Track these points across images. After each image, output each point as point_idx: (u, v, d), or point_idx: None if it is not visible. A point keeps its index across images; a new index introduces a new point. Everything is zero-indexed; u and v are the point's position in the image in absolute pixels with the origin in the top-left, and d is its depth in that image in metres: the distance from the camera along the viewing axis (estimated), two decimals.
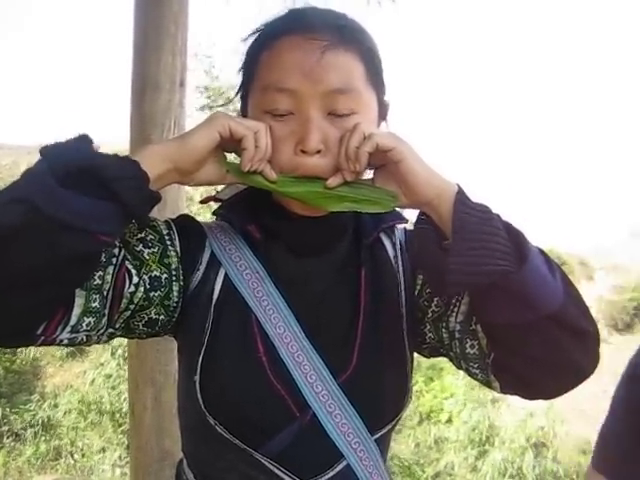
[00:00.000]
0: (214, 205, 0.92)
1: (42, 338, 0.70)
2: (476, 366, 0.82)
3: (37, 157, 0.69)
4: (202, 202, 0.95)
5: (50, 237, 0.63)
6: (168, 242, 0.84)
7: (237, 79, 0.91)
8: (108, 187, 0.67)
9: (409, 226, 0.96)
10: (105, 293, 0.74)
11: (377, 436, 0.85)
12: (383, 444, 0.88)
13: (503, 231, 0.70)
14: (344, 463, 0.82)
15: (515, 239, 0.71)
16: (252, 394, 0.80)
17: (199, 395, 0.80)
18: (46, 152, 0.69)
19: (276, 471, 0.80)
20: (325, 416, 0.81)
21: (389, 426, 0.86)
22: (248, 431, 0.80)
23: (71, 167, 0.66)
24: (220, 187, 0.93)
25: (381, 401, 0.85)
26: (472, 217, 0.71)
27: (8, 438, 6.09)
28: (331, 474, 0.82)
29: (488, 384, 0.83)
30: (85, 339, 0.75)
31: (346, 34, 0.79)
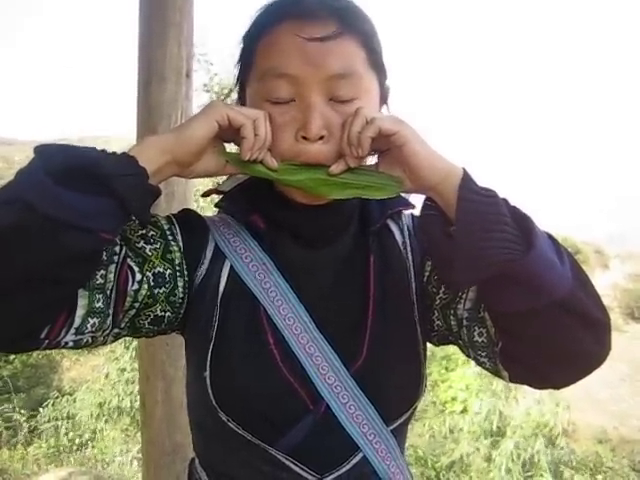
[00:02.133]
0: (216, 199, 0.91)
1: (46, 342, 0.68)
2: (484, 354, 0.80)
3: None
4: (204, 195, 0.94)
5: (48, 236, 0.61)
6: (170, 237, 0.82)
7: (232, 74, 0.89)
8: (106, 185, 0.64)
9: (415, 211, 0.95)
10: (108, 292, 0.72)
11: (393, 427, 0.84)
12: (400, 435, 0.87)
13: (508, 216, 0.68)
14: (360, 455, 0.81)
15: (521, 224, 0.68)
16: (265, 388, 0.78)
17: (210, 391, 0.79)
18: (40, 151, 0.66)
19: (292, 466, 0.79)
20: (339, 407, 0.79)
21: (405, 416, 0.85)
22: (262, 426, 0.79)
23: (66, 165, 0.64)
24: (219, 180, 0.93)
25: (395, 390, 0.84)
26: (475, 204, 0.69)
27: (25, 431, 6.17)
28: (348, 467, 0.81)
29: (497, 373, 0.81)
30: (90, 340, 0.73)
31: (346, 18, 0.77)
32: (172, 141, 0.74)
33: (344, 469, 0.81)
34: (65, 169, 0.64)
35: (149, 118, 2.12)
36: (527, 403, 6.26)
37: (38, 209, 0.61)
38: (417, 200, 0.89)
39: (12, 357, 7.71)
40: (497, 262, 0.66)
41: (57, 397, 6.68)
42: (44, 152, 0.67)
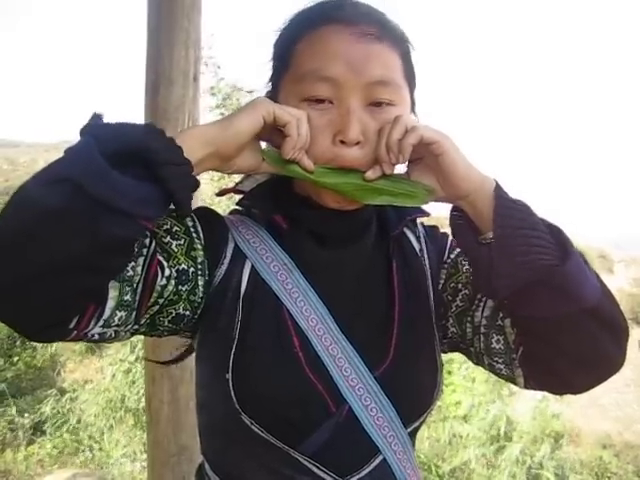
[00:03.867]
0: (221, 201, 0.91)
1: (75, 332, 0.67)
2: (501, 361, 0.82)
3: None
4: (219, 194, 0.94)
5: (92, 220, 0.59)
6: (194, 234, 0.81)
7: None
8: (155, 172, 0.63)
9: (426, 220, 0.96)
10: (135, 286, 0.71)
11: (410, 429, 0.84)
12: (413, 438, 0.88)
13: (543, 225, 0.71)
14: (380, 458, 0.81)
15: (556, 234, 0.71)
16: (290, 391, 0.78)
17: (232, 393, 0.78)
18: (91, 131, 0.64)
19: (314, 469, 0.79)
20: (361, 410, 0.79)
21: (421, 418, 0.86)
22: (286, 429, 0.78)
23: (120, 147, 0.63)
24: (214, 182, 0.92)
25: (416, 393, 0.84)
26: (513, 212, 0.71)
27: (28, 432, 6.17)
28: (368, 469, 0.81)
29: (511, 379, 0.83)
30: (113, 335, 0.72)
31: (387, 28, 0.79)
32: (216, 133, 0.73)
33: (364, 472, 0.81)
34: (118, 151, 0.62)
35: (156, 121, 2.13)
36: (529, 409, 6.24)
37: (89, 191, 0.58)
38: (431, 209, 0.90)
39: (16, 359, 7.71)
40: (539, 268, 0.68)
41: (61, 398, 6.68)
42: (96, 132, 0.64)
